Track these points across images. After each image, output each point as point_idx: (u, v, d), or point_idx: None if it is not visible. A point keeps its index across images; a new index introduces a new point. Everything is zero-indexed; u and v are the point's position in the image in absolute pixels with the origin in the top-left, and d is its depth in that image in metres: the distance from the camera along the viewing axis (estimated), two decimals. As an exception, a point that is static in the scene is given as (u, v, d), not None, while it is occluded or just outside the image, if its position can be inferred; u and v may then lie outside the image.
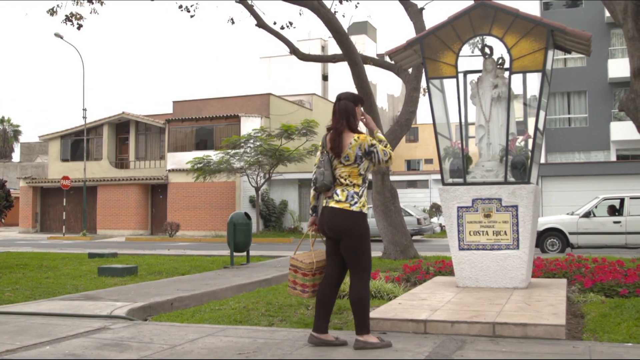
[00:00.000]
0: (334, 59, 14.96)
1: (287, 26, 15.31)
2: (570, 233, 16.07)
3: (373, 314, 5.52)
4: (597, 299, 6.82)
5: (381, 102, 50.32)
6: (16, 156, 63.51)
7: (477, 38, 7.89)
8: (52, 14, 14.44)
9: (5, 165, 52.43)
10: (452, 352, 4.59)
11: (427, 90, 8.05)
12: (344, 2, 14.73)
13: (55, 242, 25.88)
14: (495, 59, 7.91)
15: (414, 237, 19.74)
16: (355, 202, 4.74)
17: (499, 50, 7.83)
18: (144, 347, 4.92)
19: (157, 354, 4.67)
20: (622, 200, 16.20)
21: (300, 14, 15.33)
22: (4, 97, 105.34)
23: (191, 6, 15.02)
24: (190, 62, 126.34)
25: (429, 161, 48.93)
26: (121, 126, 36.14)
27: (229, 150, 28.15)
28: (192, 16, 15.19)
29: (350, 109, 4.88)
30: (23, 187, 36.74)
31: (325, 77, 51.34)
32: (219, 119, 32.51)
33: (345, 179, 4.80)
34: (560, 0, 32.83)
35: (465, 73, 8.12)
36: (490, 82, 7.84)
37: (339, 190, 4.79)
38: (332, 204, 4.78)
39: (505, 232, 7.33)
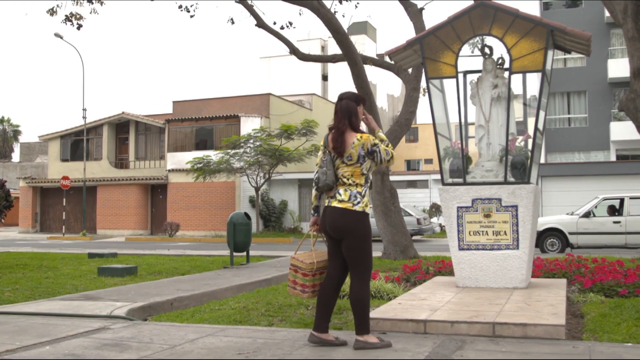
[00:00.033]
0: (334, 59, 14.96)
1: (287, 26, 15.31)
2: (570, 233, 16.07)
3: (373, 314, 5.52)
4: (596, 299, 6.82)
5: (381, 102, 50.32)
6: (16, 156, 63.56)
7: (477, 38, 7.89)
8: (52, 14, 14.44)
9: (5, 165, 52.43)
10: (451, 352, 4.59)
11: (427, 90, 8.06)
12: (343, 2, 14.73)
13: (55, 242, 25.88)
14: (495, 59, 7.91)
15: (414, 237, 19.74)
16: (359, 202, 4.74)
17: (499, 50, 7.83)
18: (143, 347, 4.92)
19: (157, 354, 4.67)
20: (621, 200, 16.20)
21: (300, 14, 15.33)
22: (4, 97, 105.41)
23: (191, 6, 15.02)
24: (190, 62, 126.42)
25: (428, 161, 48.92)
26: (121, 126, 36.14)
27: (229, 150, 28.15)
28: (192, 16, 15.19)
29: (352, 108, 4.87)
30: (23, 187, 36.74)
31: (325, 77, 51.35)
32: (218, 119, 32.51)
33: (348, 179, 4.80)
34: (560, 0, 32.84)
35: (465, 73, 8.12)
36: (490, 82, 7.84)
37: (341, 190, 4.79)
38: (335, 204, 4.77)
39: (505, 232, 7.33)
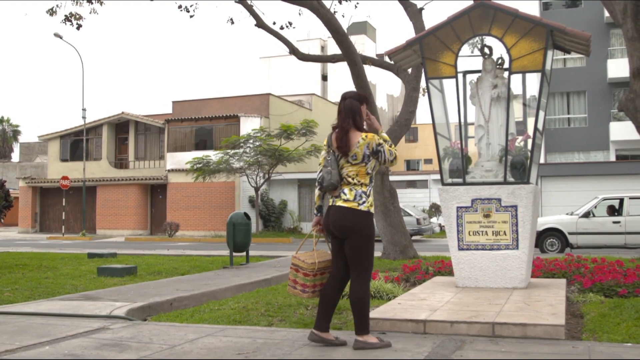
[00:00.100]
0: (334, 59, 14.96)
1: (287, 26, 15.32)
2: (570, 233, 16.07)
3: (372, 314, 5.52)
4: (596, 299, 6.83)
5: (381, 102, 50.33)
6: (15, 156, 63.52)
7: (477, 38, 7.89)
8: (51, 14, 14.44)
9: (5, 165, 52.41)
10: (451, 352, 4.59)
11: (426, 91, 8.06)
12: (343, 2, 14.74)
13: (55, 242, 25.87)
14: (495, 59, 7.91)
15: (414, 237, 19.74)
16: (364, 202, 4.74)
17: (499, 50, 7.83)
18: (143, 347, 4.92)
19: (157, 354, 4.67)
20: (621, 200, 16.21)
21: (299, 14, 15.33)
22: (4, 97, 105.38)
23: (191, 6, 15.03)
24: (190, 62, 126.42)
25: (428, 161, 48.93)
26: (120, 126, 36.13)
27: (229, 151, 28.15)
28: (191, 16, 15.20)
29: (356, 107, 4.87)
30: (22, 187, 36.73)
31: (324, 77, 51.36)
32: (218, 119, 32.51)
33: (352, 178, 4.79)
34: (559, 0, 32.84)
35: (465, 73, 8.12)
36: (489, 82, 7.84)
37: (346, 190, 4.78)
38: (340, 203, 4.76)
39: (504, 232, 7.33)
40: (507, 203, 7.34)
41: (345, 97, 4.94)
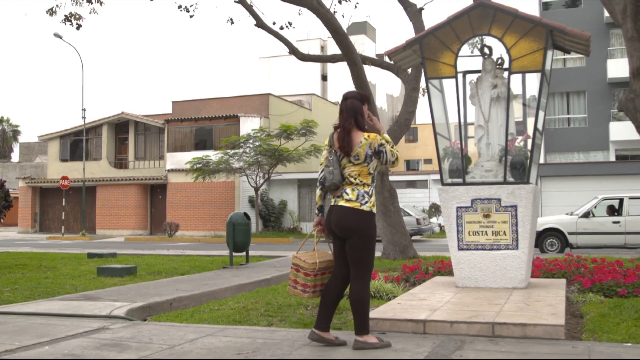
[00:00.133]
0: (333, 59, 14.96)
1: (287, 26, 15.32)
2: (570, 233, 16.07)
3: (372, 314, 5.52)
4: (596, 299, 6.83)
5: (380, 102, 50.32)
6: (15, 156, 63.51)
7: (477, 38, 7.89)
8: (51, 14, 14.44)
9: (5, 165, 52.40)
10: (451, 352, 4.59)
11: (426, 91, 8.05)
12: (343, 2, 14.73)
13: (55, 242, 25.87)
14: (495, 59, 7.91)
15: (413, 237, 19.74)
16: (366, 202, 4.73)
17: (498, 50, 7.83)
18: (143, 347, 4.91)
19: (156, 354, 4.67)
20: (621, 200, 16.21)
21: (299, 14, 15.32)
22: (3, 97, 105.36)
23: (190, 6, 15.03)
24: (189, 62, 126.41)
25: (428, 161, 48.94)
26: (120, 126, 36.13)
27: (228, 151, 28.15)
28: (191, 16, 15.19)
29: (358, 107, 4.86)
30: (22, 187, 36.73)
31: (324, 77, 51.36)
32: (218, 119, 32.51)
33: (355, 178, 4.78)
34: (559, 0, 32.85)
35: (465, 73, 8.12)
36: (489, 82, 7.84)
37: (349, 190, 4.77)
38: (342, 203, 4.75)
39: (504, 232, 7.33)
40: (506, 203, 7.34)
41: (347, 97, 4.93)
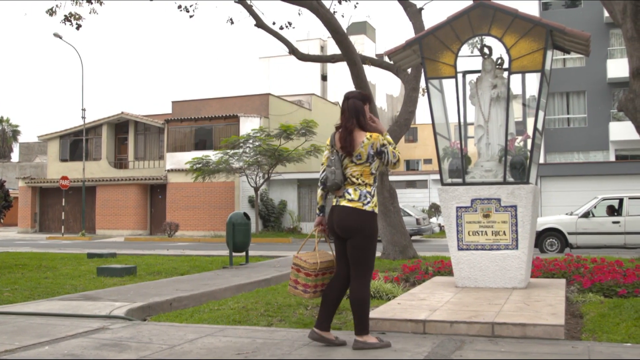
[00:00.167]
0: (333, 59, 14.95)
1: (286, 26, 15.31)
2: (569, 233, 16.07)
3: (372, 314, 5.51)
4: (596, 299, 6.83)
5: (380, 102, 50.32)
6: (15, 156, 63.51)
7: (476, 38, 7.89)
8: (51, 14, 14.44)
9: (4, 165, 52.40)
10: (451, 352, 4.59)
11: (426, 91, 8.05)
12: (343, 2, 14.72)
13: (54, 242, 25.86)
14: (494, 59, 7.91)
15: (413, 237, 19.74)
16: (368, 202, 4.73)
17: (498, 50, 7.83)
18: (143, 347, 4.91)
19: (156, 354, 4.67)
20: (621, 200, 16.21)
21: (299, 14, 15.32)
22: (3, 97, 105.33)
23: (190, 6, 15.02)
24: (189, 62, 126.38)
25: (428, 161, 48.94)
26: (120, 126, 36.13)
27: (228, 151, 28.14)
28: (191, 16, 15.19)
29: (360, 107, 4.86)
30: (22, 187, 36.72)
31: (324, 77, 51.36)
32: (218, 119, 32.50)
33: (357, 178, 4.78)
34: (559, 0, 32.85)
35: (464, 73, 8.12)
36: (489, 82, 7.84)
37: (351, 190, 4.77)
38: (344, 203, 4.75)
39: (504, 232, 7.33)
40: (506, 203, 7.34)
41: (349, 97, 4.93)
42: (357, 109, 4.84)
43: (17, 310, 6.70)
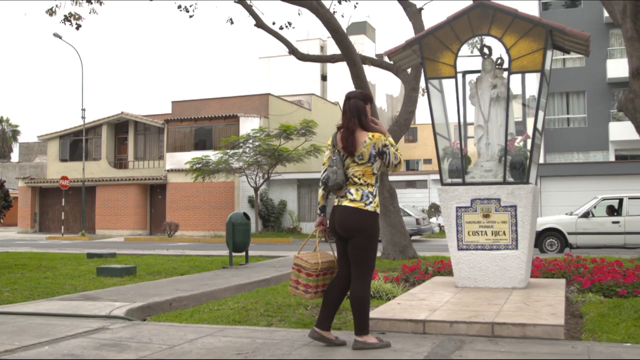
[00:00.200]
0: (333, 59, 14.95)
1: (286, 26, 15.32)
2: (569, 233, 16.08)
3: (372, 314, 5.51)
4: (595, 299, 6.83)
5: (380, 102, 50.32)
6: (15, 156, 63.51)
7: (476, 38, 7.89)
8: (51, 14, 14.44)
9: (4, 165, 52.39)
10: (450, 352, 4.59)
11: (426, 91, 8.06)
12: (342, 2, 14.72)
13: (54, 242, 25.86)
14: (494, 59, 7.91)
15: (413, 237, 19.74)
16: (371, 202, 4.73)
17: (498, 50, 7.83)
18: (142, 347, 4.91)
19: (156, 354, 4.67)
20: (620, 200, 16.21)
21: (299, 14, 15.32)
22: (3, 97, 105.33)
23: (190, 6, 15.03)
24: (189, 62, 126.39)
25: (427, 161, 48.94)
26: (120, 126, 36.13)
27: (228, 151, 28.14)
28: (191, 16, 15.19)
29: (361, 107, 4.85)
30: (22, 187, 36.72)
31: (324, 77, 51.36)
32: (217, 119, 32.50)
33: (359, 178, 4.77)
34: (559, 0, 32.86)
35: (464, 73, 8.12)
36: (489, 82, 7.84)
37: (353, 190, 4.76)
38: (346, 203, 4.75)
39: (504, 232, 7.33)
40: (506, 203, 7.34)
41: (350, 97, 4.92)
42: (359, 109, 4.84)
43: (16, 310, 6.70)
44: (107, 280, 9.71)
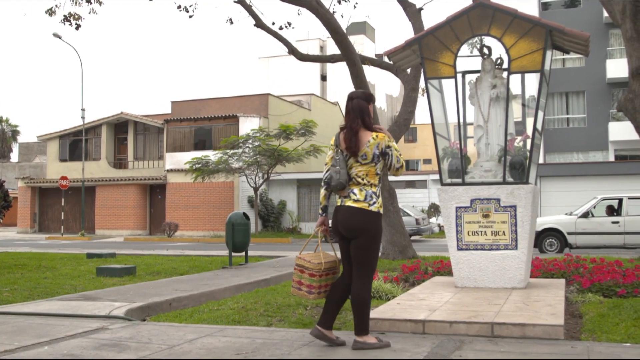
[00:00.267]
0: (333, 59, 14.95)
1: (286, 26, 15.32)
2: (569, 233, 16.08)
3: (371, 314, 5.49)
4: (595, 299, 6.83)
5: (380, 102, 50.34)
6: (14, 156, 63.46)
7: (476, 38, 7.89)
8: (50, 14, 14.44)
9: (4, 166, 52.38)
10: (450, 352, 4.59)
11: (425, 91, 8.05)
12: (342, 2, 14.72)
13: (54, 242, 25.85)
14: (494, 59, 7.91)
15: (413, 237, 19.74)
16: (374, 202, 4.73)
17: (498, 50, 7.83)
18: (142, 347, 4.91)
19: (156, 354, 4.67)
20: (620, 200, 16.22)
21: (298, 14, 15.32)
22: (3, 97, 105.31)
23: (190, 6, 15.04)
24: (188, 62, 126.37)
25: (427, 161, 48.97)
26: (120, 126, 36.13)
27: (228, 151, 28.14)
28: (190, 16, 15.20)
29: (364, 107, 4.85)
30: (21, 187, 36.72)
31: (323, 78, 51.37)
32: (217, 119, 32.50)
33: (362, 179, 4.77)
34: (558, 0, 32.86)
35: (464, 73, 8.12)
36: (488, 83, 7.85)
37: (356, 190, 4.76)
38: (350, 203, 4.74)
39: (503, 232, 7.33)
40: (506, 203, 7.34)
41: (353, 97, 4.92)
42: (362, 109, 4.84)
43: (16, 310, 6.70)
44: (107, 280, 9.70)
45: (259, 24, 14.28)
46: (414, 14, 13.84)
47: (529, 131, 7.74)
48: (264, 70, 52.28)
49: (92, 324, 5.90)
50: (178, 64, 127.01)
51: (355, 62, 12.58)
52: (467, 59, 8.02)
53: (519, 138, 7.83)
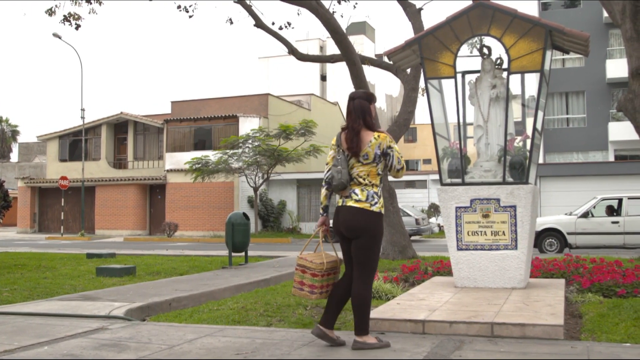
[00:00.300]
0: (333, 59, 14.95)
1: (286, 26, 15.32)
2: (569, 233, 16.08)
3: (371, 314, 5.49)
4: (595, 299, 6.83)
5: (379, 102, 50.35)
6: (14, 156, 63.47)
7: (476, 38, 7.89)
8: (50, 14, 14.44)
9: (4, 166, 52.38)
10: (450, 352, 4.59)
11: (425, 91, 8.05)
12: (342, 2, 14.72)
13: (54, 242, 25.85)
14: (494, 59, 7.91)
15: (413, 238, 19.74)
16: (376, 203, 4.72)
17: (498, 50, 7.83)
18: (142, 347, 4.91)
19: (155, 354, 4.66)
20: (620, 200, 16.22)
21: (298, 14, 15.32)
22: (2, 97, 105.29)
23: (190, 6, 15.04)
24: (188, 62, 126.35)
25: (427, 161, 48.97)
26: (119, 126, 36.12)
27: (228, 151, 28.14)
28: (190, 16, 15.20)
29: (366, 107, 4.85)
30: (21, 187, 36.71)
31: (323, 78, 51.38)
32: (217, 119, 32.50)
33: (364, 179, 4.76)
34: (558, 0, 32.87)
35: (464, 73, 8.12)
36: (488, 83, 7.85)
37: (358, 190, 4.75)
38: (351, 203, 4.74)
39: (503, 232, 7.33)
40: (506, 203, 7.34)
41: (354, 97, 4.91)
42: (363, 109, 4.83)
43: (16, 310, 6.70)
44: (107, 280, 9.70)
45: (259, 24, 14.28)
46: (413, 14, 13.84)
47: (529, 131, 7.74)
48: (264, 70, 52.29)
49: (92, 324, 5.90)
50: (178, 64, 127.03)
51: (355, 62, 12.58)
52: (467, 59, 8.03)
53: (519, 138, 7.83)
